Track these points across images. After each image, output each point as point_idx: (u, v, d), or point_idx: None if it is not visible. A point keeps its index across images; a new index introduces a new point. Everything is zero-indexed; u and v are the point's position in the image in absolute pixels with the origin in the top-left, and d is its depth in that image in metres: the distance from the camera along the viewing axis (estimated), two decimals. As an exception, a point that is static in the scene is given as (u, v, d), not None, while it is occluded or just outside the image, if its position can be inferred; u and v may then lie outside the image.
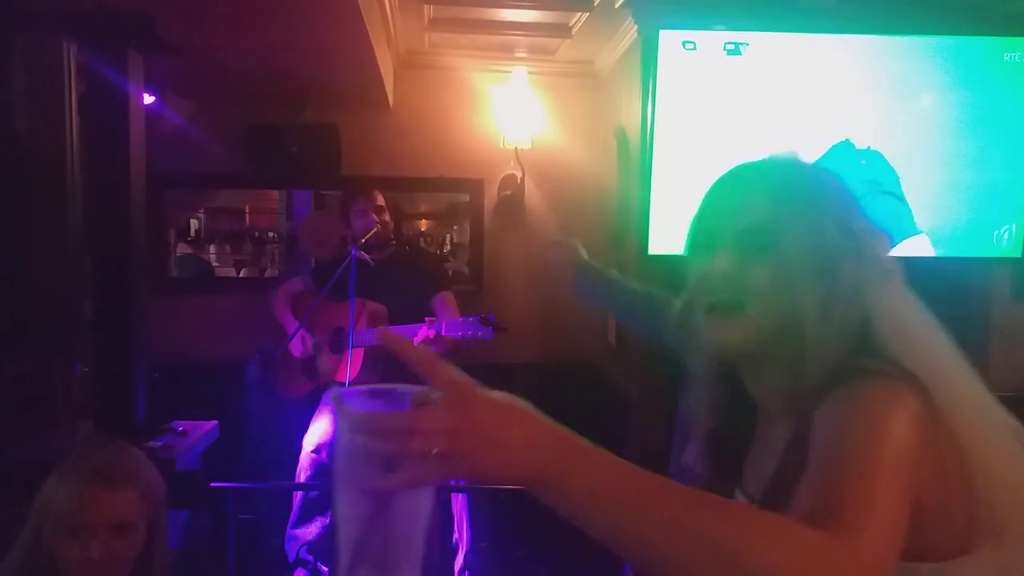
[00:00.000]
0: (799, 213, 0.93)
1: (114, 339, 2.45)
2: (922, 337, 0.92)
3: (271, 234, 4.27)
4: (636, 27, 3.10)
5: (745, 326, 0.95)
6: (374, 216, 3.24)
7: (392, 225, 3.37)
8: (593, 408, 3.63)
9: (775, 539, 0.70)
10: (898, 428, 0.82)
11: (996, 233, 2.88)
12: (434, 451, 0.68)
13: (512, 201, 4.11)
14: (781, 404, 0.97)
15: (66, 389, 2.22)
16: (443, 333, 2.83)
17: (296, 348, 3.24)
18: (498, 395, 0.73)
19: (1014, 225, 2.88)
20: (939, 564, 0.87)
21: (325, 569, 3.04)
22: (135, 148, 2.50)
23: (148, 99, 2.95)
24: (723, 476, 1.09)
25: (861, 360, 0.89)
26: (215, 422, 2.98)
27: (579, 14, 3.37)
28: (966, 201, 2.88)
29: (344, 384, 2.97)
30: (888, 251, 0.97)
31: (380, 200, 3.30)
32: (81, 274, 2.24)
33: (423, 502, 0.77)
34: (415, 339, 2.88)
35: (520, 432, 0.71)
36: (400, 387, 0.77)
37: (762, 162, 1.01)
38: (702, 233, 1.00)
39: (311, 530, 3.05)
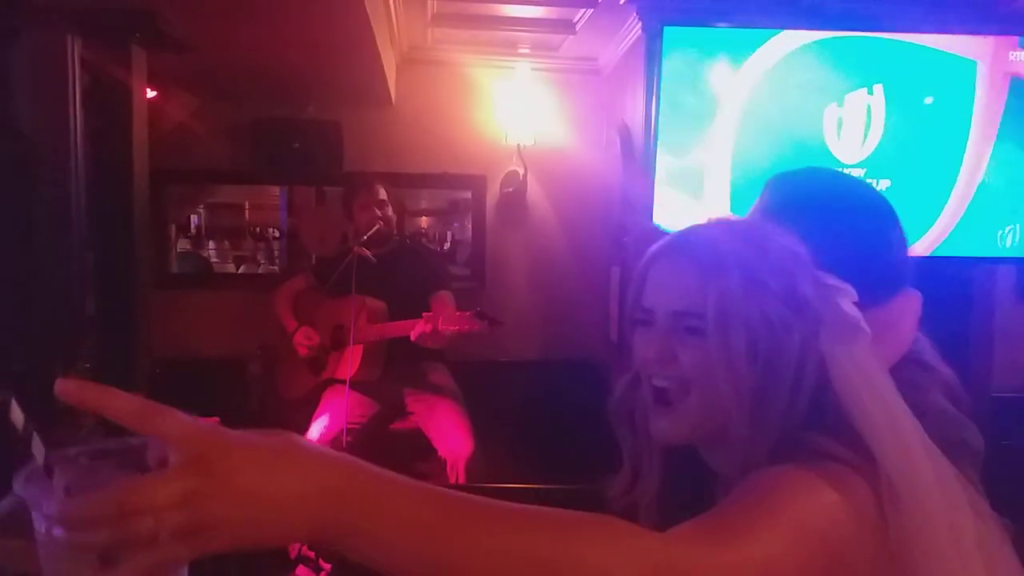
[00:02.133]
0: (730, 293, 0.86)
1: (117, 335, 2.44)
2: (881, 410, 0.84)
3: (271, 230, 4.24)
4: (640, 24, 3.09)
5: (682, 418, 0.92)
6: (377, 211, 3.25)
7: (395, 220, 3.38)
8: (594, 406, 3.62)
9: (598, 542, 0.64)
10: (818, 497, 0.77)
11: (1000, 233, 2.88)
12: (167, 529, 0.53)
13: (514, 198, 4.10)
14: (737, 474, 0.91)
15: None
16: (439, 327, 2.84)
17: (301, 348, 3.24)
18: (252, 434, 0.59)
19: (1018, 225, 2.88)
20: None
21: (327, 566, 3.03)
22: (138, 144, 2.49)
23: (150, 94, 2.94)
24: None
25: (813, 437, 0.84)
26: (216, 419, 2.97)
27: (583, 10, 3.35)
28: (970, 201, 2.87)
29: (345, 381, 2.97)
30: (851, 303, 0.89)
31: (383, 194, 3.31)
32: (84, 270, 2.23)
33: None
34: (412, 334, 2.90)
35: (289, 478, 0.57)
36: (136, 440, 0.58)
37: (697, 234, 0.95)
38: (641, 310, 0.96)
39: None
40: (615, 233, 3.69)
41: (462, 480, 2.95)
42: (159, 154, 2.82)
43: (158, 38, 2.53)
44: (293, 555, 3.07)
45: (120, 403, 0.56)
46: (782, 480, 0.80)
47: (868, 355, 0.87)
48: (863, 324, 0.88)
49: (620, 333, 3.71)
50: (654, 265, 0.96)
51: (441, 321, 2.85)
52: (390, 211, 3.32)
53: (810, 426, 0.86)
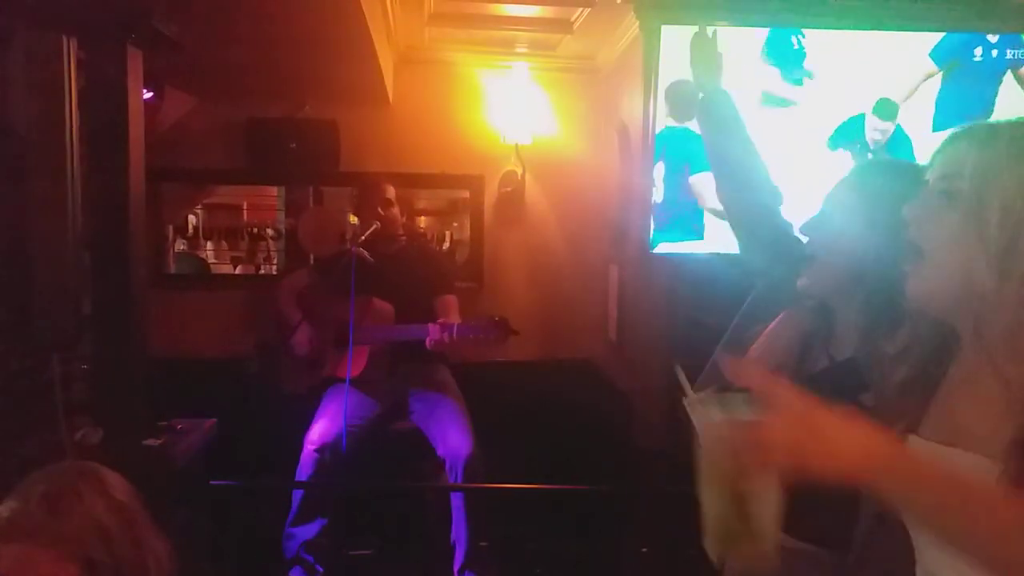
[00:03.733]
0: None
1: (113, 335, 2.43)
2: None
3: (269, 231, 4.24)
4: (638, 22, 3.09)
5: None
6: (380, 211, 3.25)
7: (401, 220, 3.39)
8: (593, 406, 3.62)
9: None
10: None
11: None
12: (778, 464, 0.85)
13: (512, 197, 4.09)
14: (985, 357, 0.94)
15: (65, 385, 2.20)
16: (455, 335, 2.83)
17: (301, 346, 3.22)
18: (828, 407, 0.86)
19: None
20: None
21: (321, 569, 3.02)
22: (134, 144, 2.48)
23: (146, 94, 2.93)
24: None
25: None
26: (214, 420, 2.96)
27: (581, 9, 3.35)
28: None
29: (345, 380, 2.96)
30: None
31: (390, 194, 3.32)
32: (80, 270, 2.22)
33: (772, 496, 0.91)
34: (428, 342, 2.88)
35: (852, 438, 0.84)
36: (736, 393, 0.91)
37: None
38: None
39: (310, 529, 3.03)
40: (613, 233, 3.69)
41: (460, 480, 2.95)
42: (155, 154, 2.81)
43: (154, 38, 2.52)
44: (290, 556, 3.07)
45: (752, 377, 0.89)
46: None
47: None
48: None
49: (620, 330, 3.70)
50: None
51: (458, 329, 2.84)
52: (395, 210, 3.33)
53: None
